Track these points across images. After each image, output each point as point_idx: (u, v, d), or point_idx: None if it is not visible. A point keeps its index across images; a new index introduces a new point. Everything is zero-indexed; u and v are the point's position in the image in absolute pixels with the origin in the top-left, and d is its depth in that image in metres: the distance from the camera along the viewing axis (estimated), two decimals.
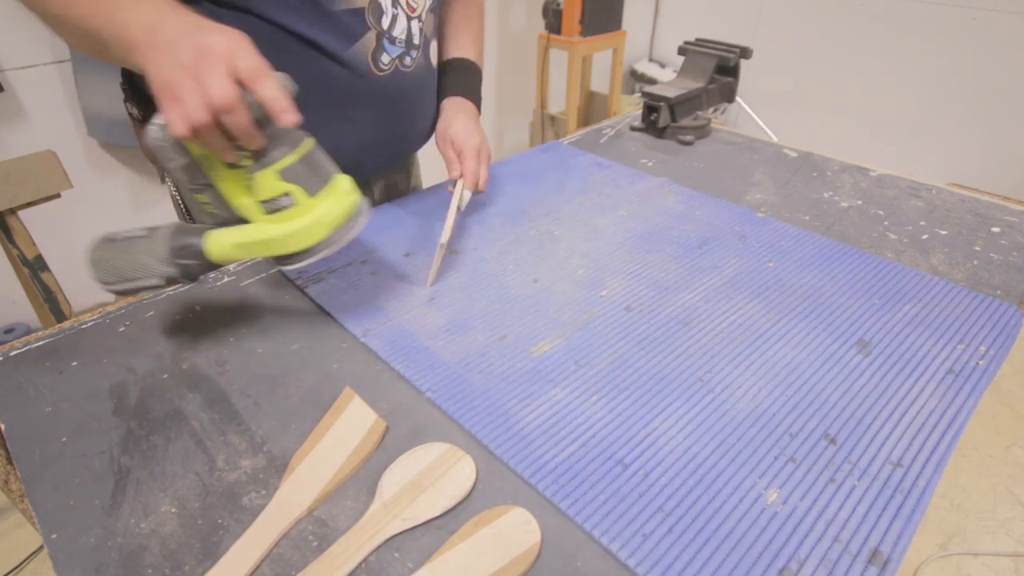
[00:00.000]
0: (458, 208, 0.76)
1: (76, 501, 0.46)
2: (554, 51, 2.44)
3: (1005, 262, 0.74)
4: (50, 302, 1.09)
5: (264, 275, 0.73)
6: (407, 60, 0.77)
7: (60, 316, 1.11)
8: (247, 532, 0.43)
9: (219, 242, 0.53)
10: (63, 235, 1.70)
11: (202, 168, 0.52)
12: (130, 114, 0.79)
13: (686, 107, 1.09)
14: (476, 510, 0.45)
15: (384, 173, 0.94)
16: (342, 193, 0.53)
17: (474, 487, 0.46)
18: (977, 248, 0.77)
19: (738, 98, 1.21)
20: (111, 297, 1.90)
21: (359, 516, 0.44)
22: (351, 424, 0.51)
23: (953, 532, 0.45)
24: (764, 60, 2.34)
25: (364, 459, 0.49)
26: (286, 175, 0.49)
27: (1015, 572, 0.42)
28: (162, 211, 1.88)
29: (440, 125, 0.84)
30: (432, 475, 0.47)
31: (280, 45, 0.67)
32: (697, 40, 1.15)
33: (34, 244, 1.07)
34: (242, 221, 0.54)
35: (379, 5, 0.71)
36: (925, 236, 0.79)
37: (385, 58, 0.74)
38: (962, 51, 2.07)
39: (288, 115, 0.47)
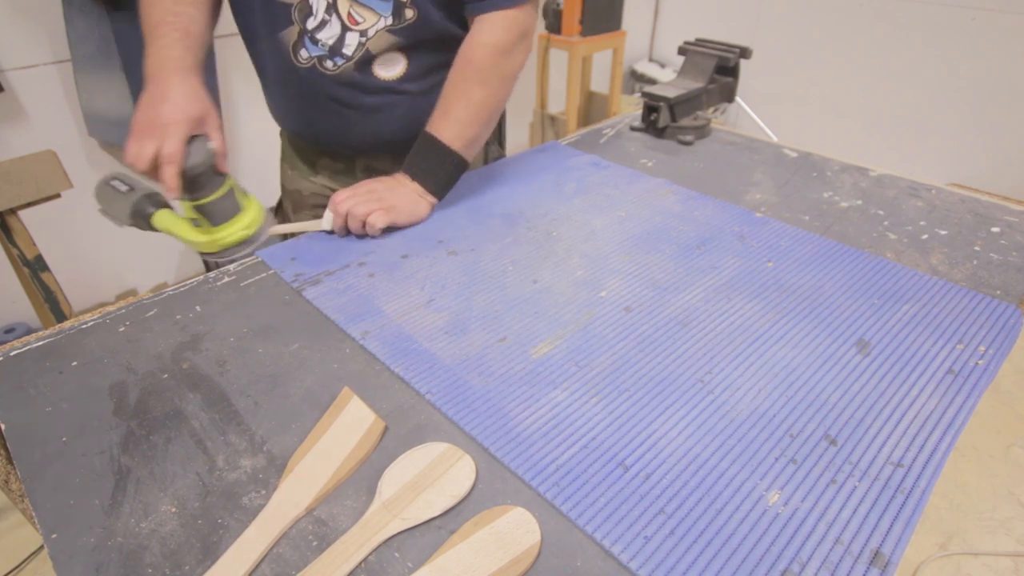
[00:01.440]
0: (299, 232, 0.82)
1: (76, 501, 0.46)
2: (554, 51, 2.44)
3: (1005, 262, 0.74)
4: (50, 302, 1.09)
5: (264, 275, 0.73)
6: (328, 63, 0.82)
7: (60, 316, 1.11)
8: (246, 532, 0.43)
9: (162, 220, 0.72)
10: (63, 235, 1.70)
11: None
12: None
13: (686, 107, 1.09)
14: (476, 510, 0.45)
15: (366, 156, 0.95)
16: (235, 229, 0.72)
17: (474, 487, 0.46)
18: (977, 248, 0.77)
19: (738, 98, 1.21)
20: (111, 297, 1.90)
21: (359, 516, 0.44)
22: (350, 424, 0.51)
23: (953, 532, 0.45)
24: (764, 60, 2.34)
25: (363, 459, 0.49)
26: (197, 209, 0.69)
27: (1015, 572, 0.42)
28: None
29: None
30: (432, 475, 0.47)
31: (241, 27, 0.86)
32: (697, 40, 1.15)
33: (34, 244, 1.07)
34: None
35: (309, 7, 0.79)
36: (925, 236, 0.79)
37: (304, 53, 0.82)
38: (962, 51, 2.07)
39: (170, 193, 0.66)
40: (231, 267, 0.74)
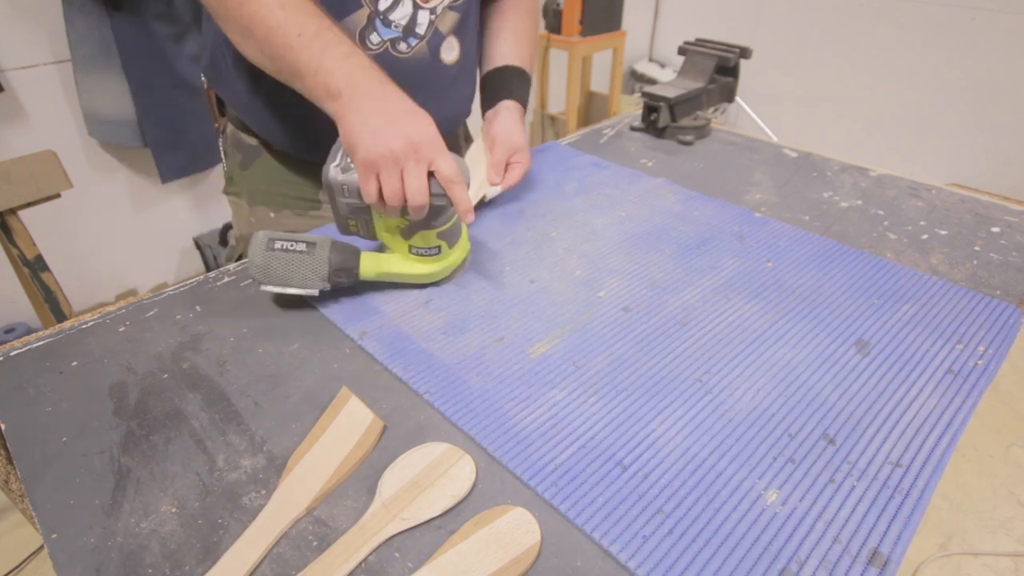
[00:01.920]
0: (483, 198, 0.83)
1: (76, 501, 0.46)
2: (554, 51, 2.44)
3: (1005, 262, 0.74)
4: (50, 302, 1.10)
5: None
6: (402, 46, 0.77)
7: (60, 316, 1.11)
8: (246, 532, 0.43)
9: (369, 266, 0.66)
10: (63, 235, 1.70)
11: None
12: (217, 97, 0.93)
13: (686, 107, 1.09)
14: (476, 510, 0.45)
15: None
16: (463, 247, 0.70)
17: (474, 487, 0.47)
18: (977, 248, 0.77)
19: (738, 98, 1.21)
20: (111, 297, 1.90)
21: (359, 516, 0.44)
22: (349, 424, 0.51)
23: (953, 532, 0.45)
24: (764, 60, 2.34)
25: (362, 458, 0.49)
26: (441, 236, 0.65)
27: (1015, 572, 0.42)
28: (162, 211, 1.88)
29: (485, 125, 0.87)
30: (432, 475, 0.47)
31: None
32: (697, 40, 1.15)
33: (34, 244, 1.07)
34: (380, 245, 0.70)
35: None
36: (925, 236, 0.79)
37: (375, 38, 0.75)
38: (962, 51, 2.07)
39: (470, 216, 0.60)
40: (231, 267, 0.74)
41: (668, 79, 1.27)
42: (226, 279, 0.72)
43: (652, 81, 2.80)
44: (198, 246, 2.00)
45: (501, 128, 0.84)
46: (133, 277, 1.94)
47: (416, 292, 0.68)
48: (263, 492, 0.46)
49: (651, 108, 1.08)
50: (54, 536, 0.44)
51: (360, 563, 0.41)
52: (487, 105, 0.88)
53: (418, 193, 0.57)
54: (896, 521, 0.44)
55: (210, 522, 0.44)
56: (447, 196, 0.59)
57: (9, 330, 1.69)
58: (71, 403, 0.55)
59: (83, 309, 1.83)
